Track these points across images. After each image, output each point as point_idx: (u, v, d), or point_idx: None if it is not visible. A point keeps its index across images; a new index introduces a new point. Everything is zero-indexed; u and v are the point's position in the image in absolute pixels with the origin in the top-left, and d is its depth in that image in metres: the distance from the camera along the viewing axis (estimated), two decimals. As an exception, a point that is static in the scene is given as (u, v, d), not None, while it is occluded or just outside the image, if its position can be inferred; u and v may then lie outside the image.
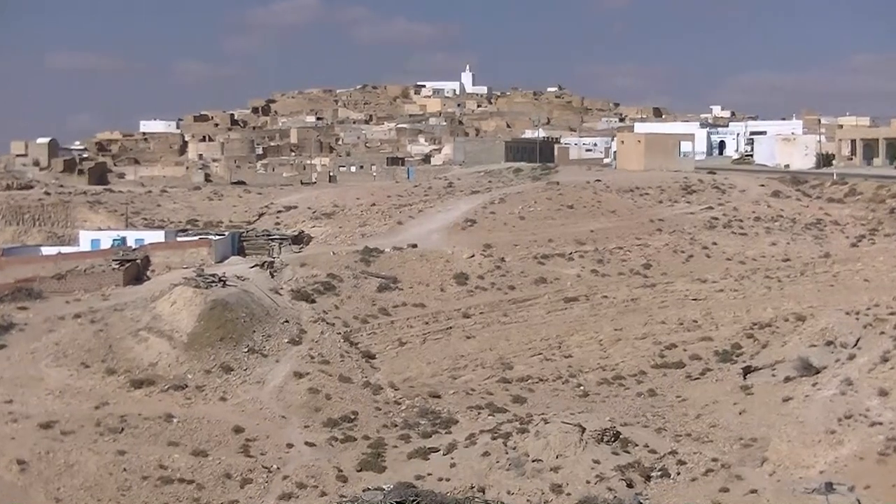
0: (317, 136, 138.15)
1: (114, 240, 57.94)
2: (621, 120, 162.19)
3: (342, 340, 47.41)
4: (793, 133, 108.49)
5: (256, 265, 53.97)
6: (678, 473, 36.14)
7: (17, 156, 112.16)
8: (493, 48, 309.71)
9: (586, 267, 58.04)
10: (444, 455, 37.94)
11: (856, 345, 44.09)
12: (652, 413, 43.10)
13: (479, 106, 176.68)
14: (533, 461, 36.07)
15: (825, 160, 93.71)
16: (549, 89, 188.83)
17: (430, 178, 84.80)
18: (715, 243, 62.26)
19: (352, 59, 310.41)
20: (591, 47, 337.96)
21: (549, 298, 54.25)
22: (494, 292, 54.25)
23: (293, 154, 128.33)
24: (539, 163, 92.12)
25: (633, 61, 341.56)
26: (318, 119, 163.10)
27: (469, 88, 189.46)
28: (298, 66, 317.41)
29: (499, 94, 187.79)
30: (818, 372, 42.10)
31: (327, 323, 48.78)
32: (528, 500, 34.33)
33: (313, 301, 50.71)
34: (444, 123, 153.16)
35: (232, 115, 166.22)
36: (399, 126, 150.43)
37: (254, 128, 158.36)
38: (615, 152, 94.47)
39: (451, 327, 50.63)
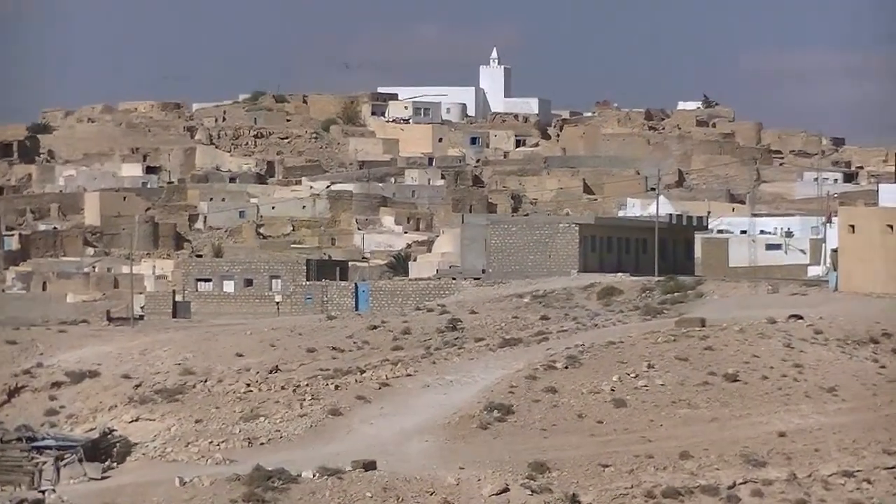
0: (146, 211, 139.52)
1: None
2: (848, 178, 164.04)
3: None
4: None
5: (2, 509, 54.18)
6: None
7: None
8: (550, 16, 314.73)
9: (770, 518, 58.15)
10: None
11: None
12: None
13: (520, 143, 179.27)
14: None
15: None
16: (682, 106, 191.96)
17: (408, 309, 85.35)
18: None
19: (229, 35, 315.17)
20: (772, 16, 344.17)
21: None
22: (555, 578, 54.25)
23: (91, 250, 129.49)
24: (661, 275, 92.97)
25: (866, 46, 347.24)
26: (151, 171, 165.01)
27: (497, 104, 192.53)
28: (106, 52, 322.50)
29: (565, 116, 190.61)
30: None
31: None
32: None
33: None
34: (442, 182, 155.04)
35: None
36: (336, 187, 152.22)
37: (2, 190, 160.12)
38: (834, 251, 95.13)
39: None
